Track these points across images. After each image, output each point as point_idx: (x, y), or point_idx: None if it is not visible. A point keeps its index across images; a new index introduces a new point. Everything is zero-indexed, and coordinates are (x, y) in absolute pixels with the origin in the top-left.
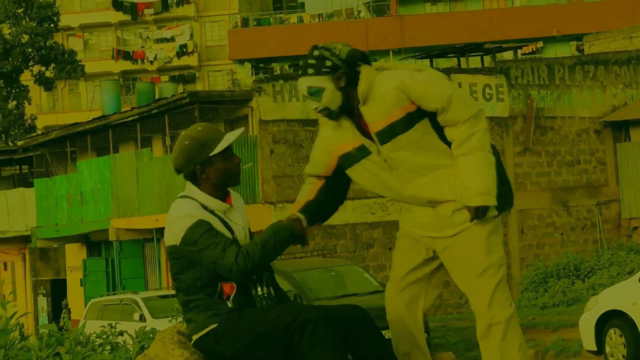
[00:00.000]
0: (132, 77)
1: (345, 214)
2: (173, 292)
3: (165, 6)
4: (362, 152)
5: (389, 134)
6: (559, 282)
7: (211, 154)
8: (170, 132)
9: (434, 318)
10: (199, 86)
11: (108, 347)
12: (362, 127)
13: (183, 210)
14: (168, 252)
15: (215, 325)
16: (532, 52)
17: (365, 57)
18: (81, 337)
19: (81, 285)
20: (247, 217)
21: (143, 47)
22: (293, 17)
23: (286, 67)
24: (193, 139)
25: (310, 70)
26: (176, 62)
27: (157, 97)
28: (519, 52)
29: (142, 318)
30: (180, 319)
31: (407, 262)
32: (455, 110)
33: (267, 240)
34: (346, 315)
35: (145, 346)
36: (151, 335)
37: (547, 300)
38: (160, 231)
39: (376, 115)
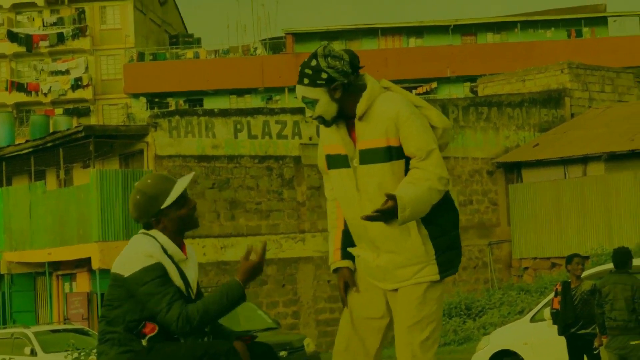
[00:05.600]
0: (26, 109)
1: (239, 250)
2: (65, 326)
3: (61, 39)
4: (342, 162)
5: (369, 156)
6: (451, 321)
7: (163, 207)
8: (64, 166)
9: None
10: (93, 119)
11: None
12: (353, 137)
13: (145, 249)
14: (112, 278)
15: None
16: (427, 92)
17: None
18: None
19: None
20: (197, 270)
21: (37, 79)
22: (189, 52)
23: (181, 102)
24: (143, 194)
25: (306, 81)
26: (71, 95)
27: (51, 129)
28: (414, 92)
29: (33, 352)
30: (76, 355)
31: (364, 308)
32: (429, 164)
33: (211, 304)
34: (252, 349)
35: None
36: None
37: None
38: (53, 265)
39: (365, 134)
